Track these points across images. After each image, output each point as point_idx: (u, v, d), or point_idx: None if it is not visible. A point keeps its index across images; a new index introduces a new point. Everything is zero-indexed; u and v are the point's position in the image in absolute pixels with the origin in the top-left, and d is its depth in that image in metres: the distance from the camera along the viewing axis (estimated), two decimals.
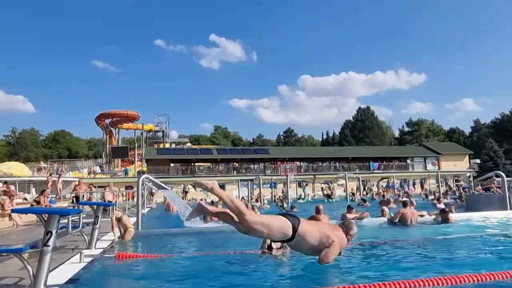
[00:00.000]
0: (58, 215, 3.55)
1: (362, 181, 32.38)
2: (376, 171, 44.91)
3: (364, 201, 17.37)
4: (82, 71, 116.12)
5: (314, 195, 33.81)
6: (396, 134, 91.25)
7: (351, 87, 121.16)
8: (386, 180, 40.33)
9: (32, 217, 11.48)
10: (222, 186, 38.23)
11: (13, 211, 5.08)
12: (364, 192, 31.43)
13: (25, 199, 13.67)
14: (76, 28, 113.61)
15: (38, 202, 12.57)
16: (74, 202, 14.04)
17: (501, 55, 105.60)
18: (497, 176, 12.40)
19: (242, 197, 25.01)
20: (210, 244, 6.58)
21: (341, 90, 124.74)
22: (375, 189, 35.29)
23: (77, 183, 15.32)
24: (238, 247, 5.67)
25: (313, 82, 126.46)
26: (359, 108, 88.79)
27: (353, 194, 27.29)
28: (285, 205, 19.14)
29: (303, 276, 3.96)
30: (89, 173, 44.20)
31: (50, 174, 22.59)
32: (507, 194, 10.83)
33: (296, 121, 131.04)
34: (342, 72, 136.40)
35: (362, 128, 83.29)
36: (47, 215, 3.59)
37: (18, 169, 18.97)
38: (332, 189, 33.66)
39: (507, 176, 12.15)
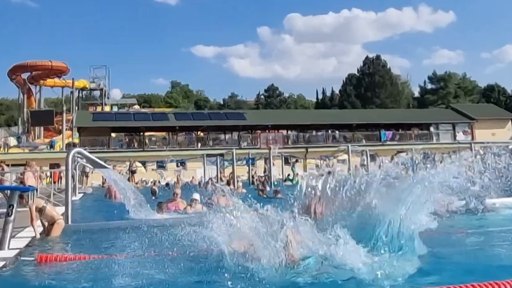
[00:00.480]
0: None
1: (371, 155, 32.77)
2: (389, 142, 45.69)
3: None
4: None
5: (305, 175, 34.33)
6: (416, 93, 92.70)
7: (355, 29, 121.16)
8: (402, 154, 40.91)
9: None
10: (182, 163, 38.39)
11: None
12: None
13: None
14: None
15: None
16: None
17: None
18: None
19: (210, 178, 25.22)
20: (165, 242, 6.67)
21: (341, 33, 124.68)
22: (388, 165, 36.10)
23: None
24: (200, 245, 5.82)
25: (304, 23, 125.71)
26: (366, 57, 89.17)
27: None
28: (267, 188, 19.42)
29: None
30: (4, 145, 43.38)
31: None
32: None
33: (282, 76, 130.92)
34: (344, 10, 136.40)
35: (370, 84, 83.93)
36: None
37: None
38: (332, 166, 34.22)
39: None
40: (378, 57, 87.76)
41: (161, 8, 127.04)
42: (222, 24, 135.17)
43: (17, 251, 5.43)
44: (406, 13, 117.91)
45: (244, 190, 19.45)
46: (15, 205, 5.66)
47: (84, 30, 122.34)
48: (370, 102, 79.65)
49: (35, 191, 8.95)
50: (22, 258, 5.06)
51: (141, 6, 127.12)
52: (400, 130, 47.81)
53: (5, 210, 5.72)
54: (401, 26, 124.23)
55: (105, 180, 20.77)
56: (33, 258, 5.02)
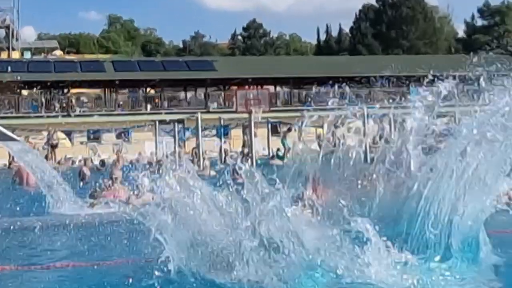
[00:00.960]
0: None
1: (397, 121, 33.11)
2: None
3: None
4: None
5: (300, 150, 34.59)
6: (460, 32, 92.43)
7: None
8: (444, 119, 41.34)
9: None
10: (125, 134, 38.21)
11: None
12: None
13: None
14: None
15: None
16: None
17: None
18: None
19: (164, 155, 25.20)
20: (97, 245, 6.68)
21: None
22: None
23: None
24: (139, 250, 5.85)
25: None
26: None
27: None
28: (243, 167, 19.40)
29: None
30: None
31: None
32: None
33: (268, 8, 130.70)
34: None
35: (394, 20, 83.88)
36: None
37: None
38: (338, 137, 34.44)
39: None
40: None
41: None
42: None
43: None
44: None
45: (213, 172, 19.51)
46: None
47: None
48: (394, 45, 79.73)
49: None
50: None
51: None
52: (439, 82, 48.10)
53: None
54: None
55: (13, 158, 20.62)
56: None
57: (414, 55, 67.83)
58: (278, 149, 30.65)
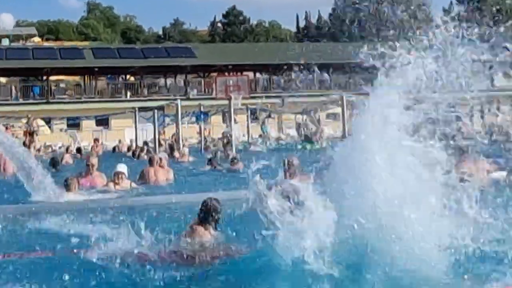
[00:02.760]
0: None
1: None
2: None
3: None
4: None
5: (280, 137, 34.65)
6: (438, 18, 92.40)
7: None
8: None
9: None
10: (105, 121, 38.00)
11: None
12: None
13: None
14: None
15: None
16: None
17: None
18: None
19: (145, 142, 25.15)
20: (78, 234, 6.61)
21: None
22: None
23: None
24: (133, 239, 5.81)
25: None
26: None
27: None
28: (219, 154, 19.42)
29: None
30: None
31: None
32: None
33: None
34: None
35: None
36: None
37: None
38: (317, 121, 34.50)
39: None
40: None
41: None
42: None
43: None
44: None
45: (191, 158, 19.49)
46: None
47: None
48: (372, 31, 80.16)
49: None
50: None
51: None
52: None
53: None
54: None
55: None
56: None
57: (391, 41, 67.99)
58: (260, 135, 30.70)
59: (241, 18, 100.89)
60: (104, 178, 11.28)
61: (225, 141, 25.51)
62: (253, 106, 34.20)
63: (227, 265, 4.91)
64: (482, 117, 35.14)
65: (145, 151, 21.22)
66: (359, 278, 4.14)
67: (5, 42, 60.20)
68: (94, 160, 11.60)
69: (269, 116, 39.64)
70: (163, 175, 12.37)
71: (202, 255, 5.11)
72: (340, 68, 47.97)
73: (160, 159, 13.01)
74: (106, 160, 15.30)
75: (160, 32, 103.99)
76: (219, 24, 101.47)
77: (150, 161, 12.93)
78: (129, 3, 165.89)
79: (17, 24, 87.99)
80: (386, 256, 4.33)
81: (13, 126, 28.69)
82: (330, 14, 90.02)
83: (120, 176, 11.09)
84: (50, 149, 28.06)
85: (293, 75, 47.85)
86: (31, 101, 41.33)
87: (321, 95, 39.03)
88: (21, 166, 10.81)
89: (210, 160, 17.67)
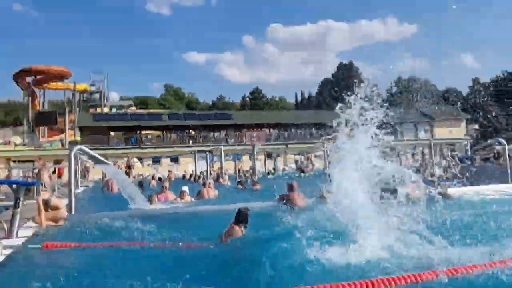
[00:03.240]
0: None
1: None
2: None
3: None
4: None
5: (284, 169, 34.54)
6: (384, 95, 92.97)
7: (330, 38, 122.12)
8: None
9: None
10: (175, 159, 38.23)
11: None
12: None
13: None
14: None
15: None
16: None
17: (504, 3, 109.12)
18: (498, 143, 12.86)
19: (201, 172, 25.18)
20: (161, 231, 6.65)
21: (318, 42, 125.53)
22: None
23: None
24: (194, 234, 5.91)
25: (285, 32, 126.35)
26: (340, 64, 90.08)
27: None
28: (246, 179, 19.46)
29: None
30: (6, 143, 42.70)
31: None
32: (508, 164, 11.25)
33: (265, 80, 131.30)
34: (320, 21, 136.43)
35: (344, 88, 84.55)
36: None
37: None
38: (309, 160, 34.39)
39: (508, 144, 12.56)
40: (351, 63, 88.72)
41: (156, 18, 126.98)
42: (211, 33, 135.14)
43: (24, 239, 5.39)
44: (376, 24, 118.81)
45: (229, 183, 19.54)
46: (21, 198, 5.60)
47: (85, 38, 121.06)
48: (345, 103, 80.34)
49: (39, 185, 8.88)
50: (29, 246, 5.02)
51: (136, 17, 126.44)
52: None
53: (12, 203, 5.65)
54: (372, 36, 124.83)
55: (105, 174, 20.53)
56: (39, 245, 4.99)
57: None
58: (274, 168, 30.60)
59: (261, 95, 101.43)
60: (173, 194, 11.34)
61: (251, 171, 25.49)
62: (268, 150, 34.18)
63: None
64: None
65: (201, 178, 21.26)
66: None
67: (113, 109, 60.70)
68: (166, 184, 11.75)
69: (278, 155, 39.62)
70: (211, 193, 12.40)
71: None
72: (323, 126, 48.13)
73: (209, 183, 13.08)
74: (177, 184, 15.38)
75: (210, 103, 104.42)
76: (247, 98, 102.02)
77: (204, 184, 13.00)
78: (191, 85, 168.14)
79: (121, 98, 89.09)
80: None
81: (116, 162, 28.89)
82: (317, 93, 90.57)
83: (184, 193, 11.17)
84: (141, 177, 28.21)
85: (293, 131, 48.20)
86: (129, 146, 41.68)
87: (311, 143, 39.01)
88: (123, 186, 10.95)
89: (239, 182, 17.73)
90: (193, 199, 11.31)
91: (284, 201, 8.50)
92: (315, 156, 38.35)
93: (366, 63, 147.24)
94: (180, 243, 5.30)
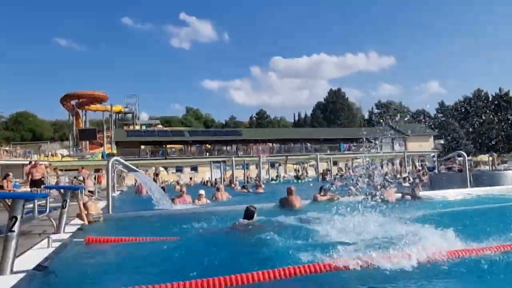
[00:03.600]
0: (23, 200, 3.50)
1: (333, 161, 32.74)
2: (346, 152, 45.90)
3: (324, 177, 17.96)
4: (44, 49, 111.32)
5: (284, 176, 34.32)
6: (366, 115, 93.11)
7: (322, 69, 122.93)
8: (358, 160, 40.42)
9: None
10: (195, 168, 38.13)
11: None
12: (337, 173, 31.66)
13: None
14: (35, 3, 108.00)
15: (1, 187, 12.06)
16: (31, 186, 13.35)
17: (463, 42, 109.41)
18: (459, 156, 13.06)
19: (215, 179, 25.08)
20: (183, 227, 6.55)
21: (312, 71, 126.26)
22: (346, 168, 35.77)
23: (32, 165, 14.44)
24: (211, 225, 5.88)
25: (285, 63, 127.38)
26: (330, 90, 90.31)
27: (325, 174, 27.40)
28: (251, 184, 19.36)
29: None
30: (52, 155, 42.90)
31: (30, 162, 21.40)
32: (467, 172, 11.42)
33: (269, 103, 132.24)
34: (314, 54, 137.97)
35: (333, 109, 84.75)
36: (11, 200, 3.51)
37: None
38: (304, 169, 34.22)
39: (468, 156, 12.79)
40: (339, 89, 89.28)
41: (178, 52, 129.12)
42: (224, 64, 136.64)
43: (70, 234, 5.30)
44: (360, 57, 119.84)
45: (239, 188, 19.47)
46: (68, 200, 5.56)
47: (120, 67, 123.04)
48: (333, 123, 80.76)
49: (83, 190, 8.82)
50: (74, 240, 4.93)
51: (162, 50, 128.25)
52: (354, 143, 48.02)
53: (60, 204, 5.60)
54: (356, 66, 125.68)
55: (136, 181, 20.47)
56: (82, 240, 4.90)
57: (342, 128, 67.91)
58: (277, 175, 30.44)
59: (265, 115, 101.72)
60: (190, 197, 11.10)
61: (257, 178, 25.35)
62: (271, 161, 33.99)
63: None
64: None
65: (216, 183, 21.14)
66: None
67: (143, 127, 61.06)
68: (184, 189, 11.43)
69: (280, 165, 39.49)
70: (224, 196, 12.27)
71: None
72: (316, 141, 48.10)
73: (221, 187, 13.00)
74: (197, 188, 15.30)
75: (224, 122, 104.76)
76: (254, 118, 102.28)
77: (218, 189, 12.87)
78: (208, 106, 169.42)
79: (149, 118, 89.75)
80: None
81: (147, 170, 28.82)
82: (311, 114, 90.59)
83: (201, 196, 11.02)
84: (166, 183, 28.11)
85: (292, 145, 48.07)
86: (157, 158, 41.71)
87: (306, 155, 38.87)
88: (151, 190, 10.87)
89: (243, 187, 17.64)
90: (209, 201, 11.16)
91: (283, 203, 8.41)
92: (310, 165, 38.18)
93: (352, 88, 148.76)
94: (201, 230, 5.45)
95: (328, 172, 28.17)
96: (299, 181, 25.48)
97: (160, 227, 6.82)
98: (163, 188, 16.07)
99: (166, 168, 37.47)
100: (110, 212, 7.72)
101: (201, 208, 9.64)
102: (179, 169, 38.73)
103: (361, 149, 45.03)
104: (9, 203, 3.48)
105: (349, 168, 35.66)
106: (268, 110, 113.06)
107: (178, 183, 23.29)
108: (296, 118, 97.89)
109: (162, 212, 8.58)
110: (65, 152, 49.02)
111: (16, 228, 3.38)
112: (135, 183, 23.57)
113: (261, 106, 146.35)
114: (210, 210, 8.86)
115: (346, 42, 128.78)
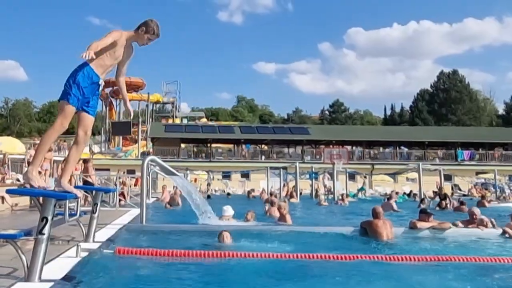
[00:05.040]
0: (54, 199, 4.04)
1: (446, 175, 29.88)
2: (467, 162, 43.59)
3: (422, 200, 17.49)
4: (77, 30, 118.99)
5: (371, 192, 33.80)
6: (500, 110, 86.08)
7: (425, 42, 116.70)
8: (483, 176, 37.64)
9: (25, 201, 12.93)
10: (246, 175, 38.91)
11: (7, 191, 5.79)
12: (452, 192, 29.70)
13: (18, 180, 14.59)
14: None
15: (86, 169, 14.41)
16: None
17: None
18: None
19: (271, 190, 25.36)
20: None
21: (409, 47, 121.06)
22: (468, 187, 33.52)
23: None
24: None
25: (367, 37, 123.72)
26: (441, 72, 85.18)
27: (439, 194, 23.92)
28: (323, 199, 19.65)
29: None
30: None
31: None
32: None
33: (346, 91, 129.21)
34: (411, 22, 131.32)
35: (445, 100, 79.73)
36: (41, 198, 4.13)
37: (10, 145, 19.90)
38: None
39: None
40: (455, 71, 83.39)
41: (228, 27, 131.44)
42: (282, 42, 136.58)
43: (99, 243, 6.04)
44: (487, 23, 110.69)
45: (297, 200, 20.29)
46: (99, 204, 6.26)
47: (157, 48, 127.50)
48: (444, 119, 76.25)
49: (115, 192, 9.71)
50: (103, 250, 5.62)
51: (207, 26, 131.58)
52: (480, 149, 45.33)
53: (90, 208, 6.31)
54: (482, 37, 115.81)
55: (174, 187, 21.37)
56: (112, 251, 5.58)
57: (461, 126, 64.70)
58: (363, 188, 30.36)
59: (342, 107, 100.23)
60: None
61: (329, 192, 25.46)
62: (351, 170, 33.62)
63: None
64: None
65: (273, 196, 21.40)
66: None
67: (185, 121, 63.04)
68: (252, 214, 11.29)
69: (365, 177, 38.89)
70: (277, 213, 11.56)
71: None
72: (419, 145, 46.40)
73: (281, 205, 12.73)
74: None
75: (285, 116, 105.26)
76: (327, 112, 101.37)
77: (272, 203, 12.84)
78: (265, 96, 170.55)
79: (192, 110, 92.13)
80: None
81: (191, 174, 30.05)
82: (410, 106, 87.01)
83: (250, 213, 11.03)
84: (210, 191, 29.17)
85: (381, 149, 47.02)
86: (199, 159, 43.15)
87: (401, 164, 37.61)
88: (190, 198, 11.22)
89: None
90: (235, 220, 10.77)
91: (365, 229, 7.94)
92: (407, 179, 36.68)
93: (475, 70, 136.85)
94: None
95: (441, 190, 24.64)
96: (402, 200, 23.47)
97: (201, 244, 7.22)
98: (208, 196, 16.66)
99: (208, 172, 38.59)
100: (144, 222, 8.44)
101: (255, 226, 9.80)
102: (226, 175, 39.74)
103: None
104: (40, 202, 4.10)
105: (473, 187, 33.39)
106: (345, 101, 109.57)
107: (224, 190, 23.76)
108: (388, 112, 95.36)
109: (207, 227, 8.87)
110: (96, 148, 52.25)
111: (46, 230, 3.92)
112: (162, 191, 24.55)
113: (336, 95, 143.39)
114: (271, 228, 9.01)
115: (463, 1, 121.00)
